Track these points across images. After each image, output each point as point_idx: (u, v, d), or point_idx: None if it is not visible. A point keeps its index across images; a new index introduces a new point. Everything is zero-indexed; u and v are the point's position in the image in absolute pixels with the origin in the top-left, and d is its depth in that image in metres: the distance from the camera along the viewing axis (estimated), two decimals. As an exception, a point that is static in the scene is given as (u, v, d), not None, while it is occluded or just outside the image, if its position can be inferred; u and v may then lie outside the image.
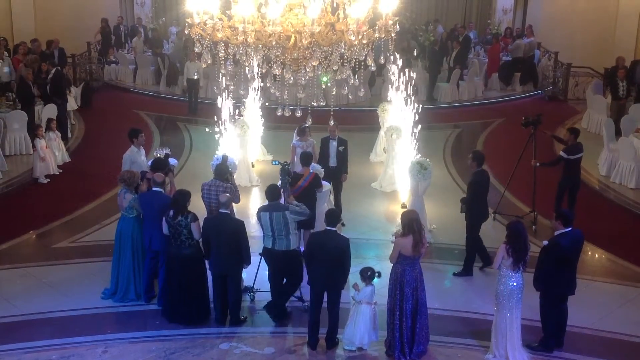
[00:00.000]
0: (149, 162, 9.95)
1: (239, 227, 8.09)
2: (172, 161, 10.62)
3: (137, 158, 10.09)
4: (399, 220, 7.96)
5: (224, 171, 9.26)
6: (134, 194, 8.66)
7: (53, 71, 15.33)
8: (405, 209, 8.06)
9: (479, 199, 9.74)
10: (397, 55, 12.85)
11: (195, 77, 17.91)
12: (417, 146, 12.01)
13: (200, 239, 8.18)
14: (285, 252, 8.20)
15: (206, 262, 8.35)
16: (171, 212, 8.06)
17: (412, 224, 7.47)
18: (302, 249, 8.70)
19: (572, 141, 11.14)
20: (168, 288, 8.39)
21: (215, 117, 12.85)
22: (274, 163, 9.78)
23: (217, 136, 12.70)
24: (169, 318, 8.37)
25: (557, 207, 10.85)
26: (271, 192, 8.34)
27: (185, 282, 8.21)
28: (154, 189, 8.62)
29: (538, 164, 11.20)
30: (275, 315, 8.46)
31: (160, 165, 9.32)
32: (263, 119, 14.35)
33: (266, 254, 8.40)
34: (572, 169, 11.14)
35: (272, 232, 8.14)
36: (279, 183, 8.72)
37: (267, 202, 8.41)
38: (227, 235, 7.99)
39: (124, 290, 8.79)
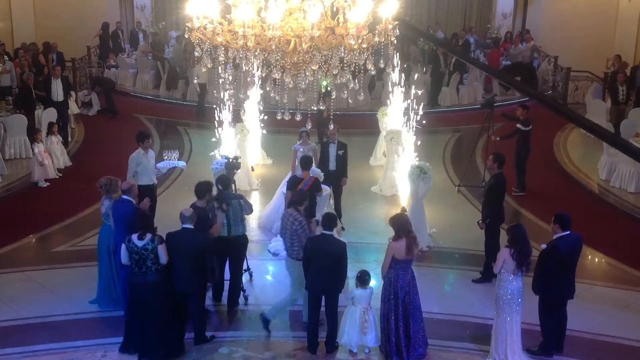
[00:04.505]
0: (182, 164, 10.12)
1: (206, 244, 7.74)
2: (181, 164, 10.65)
3: (142, 159, 10.08)
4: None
5: (228, 181, 9.06)
6: (112, 202, 8.48)
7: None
8: (394, 214, 8.05)
9: (500, 202, 9.65)
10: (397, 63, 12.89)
11: (195, 81, 17.93)
12: (417, 148, 12.10)
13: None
14: (240, 236, 8.70)
15: None
16: (135, 236, 7.44)
17: (404, 227, 7.49)
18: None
19: (524, 115, 12.83)
20: (133, 322, 7.68)
21: (216, 121, 12.89)
22: (222, 158, 10.19)
23: (216, 139, 12.72)
24: (142, 353, 7.65)
25: (520, 175, 12.96)
26: (223, 182, 8.77)
27: (156, 313, 7.56)
28: (124, 197, 8.34)
29: (498, 138, 12.99)
30: (235, 301, 8.80)
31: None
32: (263, 125, 14.38)
33: (218, 242, 8.40)
34: (527, 139, 12.88)
35: (228, 220, 8.49)
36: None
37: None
38: (191, 253, 7.57)
39: (106, 297, 8.63)
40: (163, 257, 7.48)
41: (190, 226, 7.69)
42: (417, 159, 11.53)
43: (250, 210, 8.99)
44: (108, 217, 8.50)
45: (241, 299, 8.98)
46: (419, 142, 12.34)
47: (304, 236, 7.98)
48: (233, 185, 9.47)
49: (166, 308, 7.61)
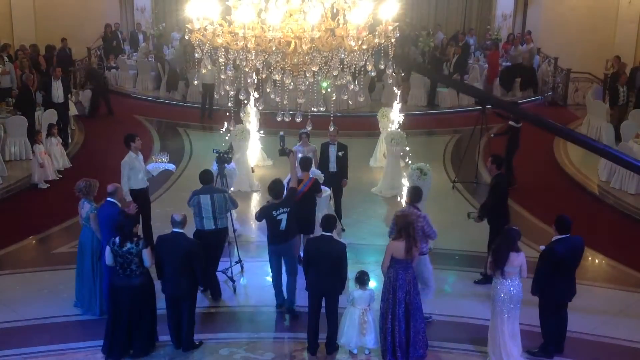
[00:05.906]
0: (171, 166, 10.44)
1: (193, 248, 7.65)
2: (170, 166, 10.61)
3: (135, 163, 10.02)
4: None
5: (209, 177, 9.08)
6: (92, 204, 8.46)
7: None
8: (401, 212, 8.08)
9: (502, 202, 9.63)
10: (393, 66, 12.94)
11: (196, 82, 17.91)
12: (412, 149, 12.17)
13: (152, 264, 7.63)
14: (225, 228, 8.98)
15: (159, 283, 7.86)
16: (117, 240, 7.41)
17: (407, 228, 7.46)
18: (301, 254, 8.74)
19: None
20: (113, 323, 7.61)
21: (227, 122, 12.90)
22: (213, 151, 10.33)
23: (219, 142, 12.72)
24: (116, 356, 7.62)
25: (511, 172, 12.99)
26: (205, 176, 8.91)
27: (136, 314, 7.55)
28: (109, 199, 8.33)
29: (493, 135, 13.84)
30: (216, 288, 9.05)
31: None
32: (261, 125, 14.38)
33: (205, 236, 8.58)
34: (518, 135, 13.26)
35: (214, 213, 8.65)
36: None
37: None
38: (180, 256, 7.53)
39: (87, 304, 8.53)
40: (147, 261, 7.46)
41: (180, 230, 7.67)
42: (410, 161, 11.50)
43: (235, 206, 9.14)
44: (89, 220, 8.44)
45: (231, 292, 9.26)
46: (406, 147, 12.39)
47: (428, 230, 8.24)
48: (224, 179, 9.83)
49: (148, 311, 7.63)
